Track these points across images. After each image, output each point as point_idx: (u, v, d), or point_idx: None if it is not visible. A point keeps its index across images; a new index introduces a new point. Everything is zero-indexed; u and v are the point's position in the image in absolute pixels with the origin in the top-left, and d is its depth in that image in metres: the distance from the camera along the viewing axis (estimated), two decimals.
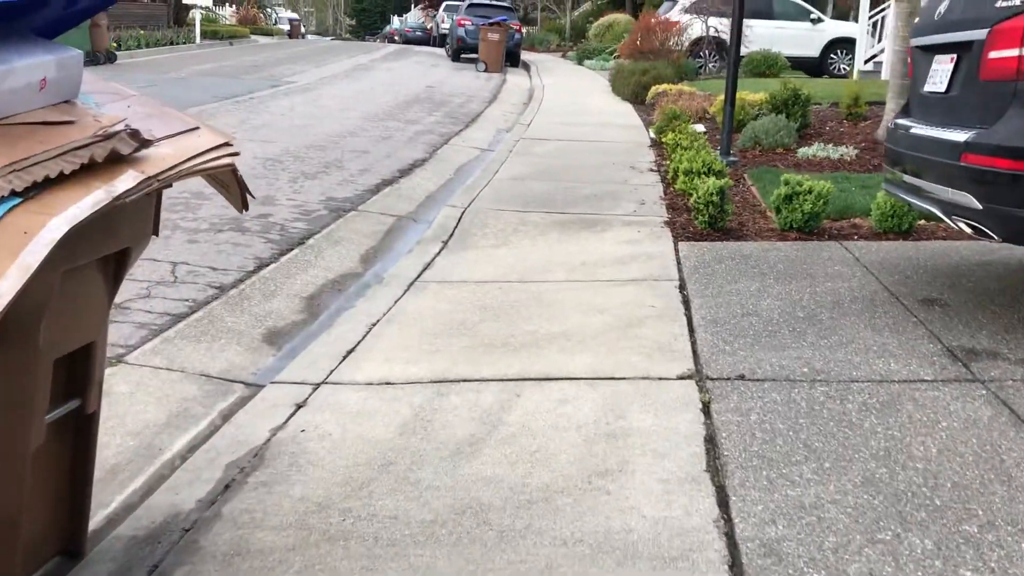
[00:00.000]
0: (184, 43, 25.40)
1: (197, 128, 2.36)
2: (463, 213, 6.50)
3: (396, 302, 4.58)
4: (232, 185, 2.44)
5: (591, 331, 4.02)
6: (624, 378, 3.47)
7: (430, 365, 3.68)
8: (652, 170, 8.27)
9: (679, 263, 5.13)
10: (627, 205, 6.77)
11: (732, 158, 8.16)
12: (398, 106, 13.53)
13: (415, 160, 8.95)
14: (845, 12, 24.98)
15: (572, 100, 15.28)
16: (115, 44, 20.41)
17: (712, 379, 3.43)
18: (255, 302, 4.57)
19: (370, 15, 70.85)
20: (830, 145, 8.65)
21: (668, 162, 8.16)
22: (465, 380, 3.52)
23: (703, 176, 6.53)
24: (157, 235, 2.52)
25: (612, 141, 10.25)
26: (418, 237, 6.01)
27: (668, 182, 7.55)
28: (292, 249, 5.52)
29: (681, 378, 3.45)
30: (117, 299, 4.54)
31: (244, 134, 9.83)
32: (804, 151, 8.51)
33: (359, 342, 3.99)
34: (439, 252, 5.55)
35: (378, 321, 4.26)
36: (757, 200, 6.80)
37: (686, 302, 4.40)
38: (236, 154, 2.37)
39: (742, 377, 3.43)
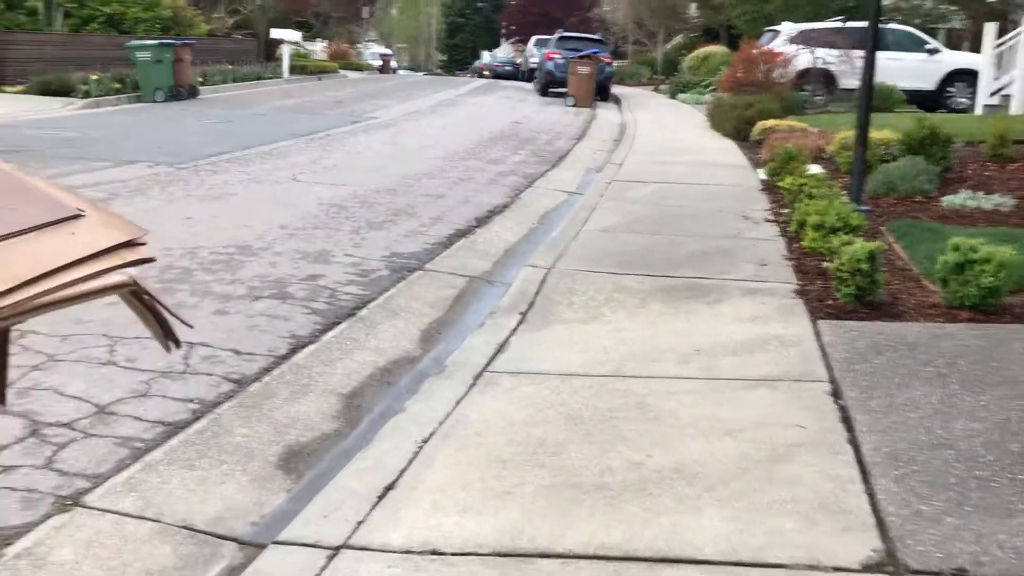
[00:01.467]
0: (271, 78, 25.17)
1: (78, 216, 1.36)
2: (546, 274, 5.45)
3: (457, 404, 3.54)
4: (142, 312, 1.43)
5: (719, 468, 2.90)
6: (780, 566, 2.33)
7: (495, 520, 2.62)
8: (769, 220, 7.08)
9: (824, 353, 3.96)
10: (744, 266, 5.61)
11: (864, 207, 6.93)
12: (481, 144, 12.63)
13: (495, 206, 7.96)
14: (957, 43, 23.29)
15: (668, 136, 14.15)
16: (201, 79, 20.17)
17: (916, 574, 2.27)
18: (278, 403, 3.59)
19: (461, 50, 71.06)
20: (979, 193, 7.33)
21: (789, 211, 6.98)
22: (544, 555, 2.45)
23: (838, 233, 5.35)
24: (3, 403, 1.51)
25: (716, 184, 9.09)
26: (492, 305, 4.97)
27: (792, 237, 6.36)
28: (339, 323, 4.54)
29: (868, 570, 2.29)
30: (101, 401, 3.64)
31: (312, 176, 9.02)
32: (950, 200, 7.21)
33: (403, 470, 2.96)
34: (516, 328, 4.50)
35: (432, 435, 3.23)
36: (905, 263, 5.56)
37: (847, 420, 3.24)
38: (145, 260, 1.37)
39: (963, 573, 2.26)
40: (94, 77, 16.73)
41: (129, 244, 1.38)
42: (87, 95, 16.07)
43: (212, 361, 3.94)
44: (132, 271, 1.42)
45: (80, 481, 2.86)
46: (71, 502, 2.73)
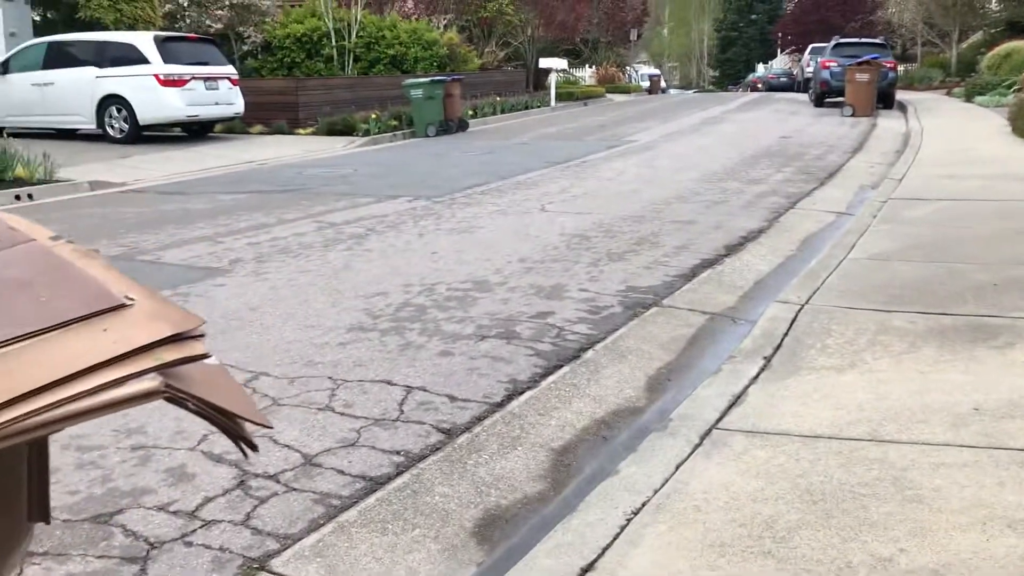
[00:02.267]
0: (538, 107, 25.71)
1: (121, 307, 1.16)
2: (799, 311, 4.87)
3: (678, 468, 3.14)
4: (214, 417, 1.21)
5: (996, 575, 2.29)
6: None
7: None
8: None
9: None
10: None
11: None
12: (743, 162, 11.97)
13: (749, 231, 7.38)
14: None
15: (959, 145, 12.69)
16: (471, 111, 20.95)
17: None
18: (484, 458, 3.36)
19: (733, 65, 69.31)
20: None
21: None
22: None
23: None
24: (48, 521, 1.34)
25: (1017, 200, 7.90)
26: (732, 348, 4.49)
27: None
28: (561, 367, 4.27)
29: None
30: (311, 450, 3.59)
31: (560, 206, 8.89)
32: None
33: (605, 549, 2.62)
34: (756, 376, 4.01)
35: (643, 506, 2.86)
36: None
37: None
38: (193, 358, 1.15)
39: None
40: (373, 116, 17.84)
41: (178, 338, 1.16)
42: (367, 133, 17.16)
43: (426, 408, 3.80)
44: (208, 364, 1.22)
45: (271, 542, 2.77)
46: (258, 566, 2.64)
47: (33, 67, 15.92)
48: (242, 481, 3.17)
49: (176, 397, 1.12)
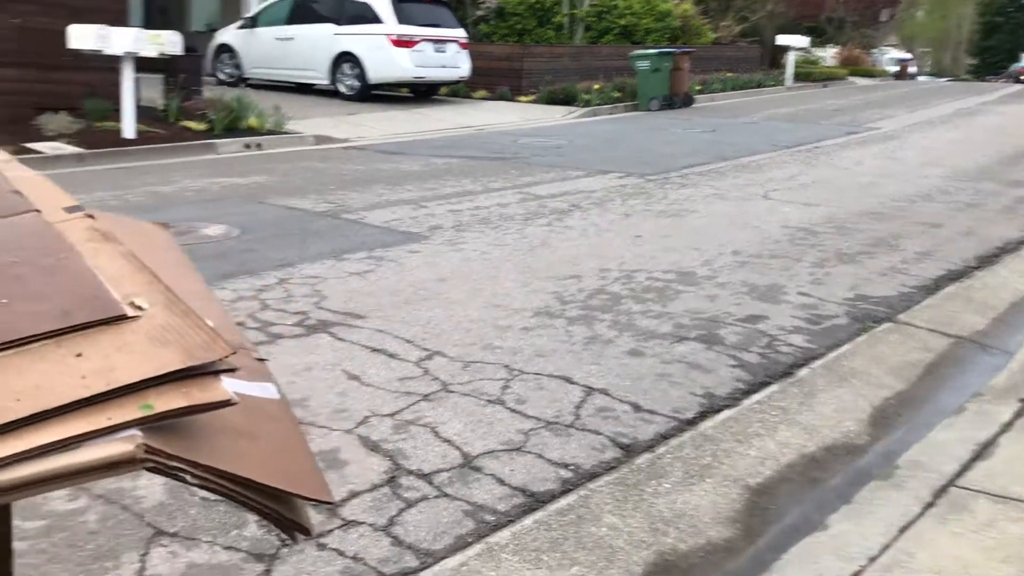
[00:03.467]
0: (772, 85, 24.32)
1: (121, 318, 0.80)
2: None
3: (902, 533, 2.57)
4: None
5: None
6: None
7: None
8: None
9: None
10: None
11: None
12: (1001, 161, 10.59)
13: (1007, 241, 6.38)
14: None
15: None
16: (698, 87, 20.06)
17: None
18: (665, 486, 2.89)
19: (995, 53, 63.15)
20: None
21: None
22: None
23: None
24: None
25: None
26: (981, 383, 3.76)
27: None
28: (769, 384, 3.71)
29: None
30: (472, 450, 3.24)
31: (785, 194, 8.12)
32: None
33: None
34: (1010, 422, 3.30)
35: None
36: None
37: None
38: (208, 406, 0.77)
39: None
40: (596, 87, 17.39)
41: (192, 373, 0.79)
42: (587, 104, 16.74)
43: (605, 416, 3.36)
44: (255, 403, 0.86)
45: (409, 558, 2.45)
46: None
47: (278, 22, 16.64)
48: (393, 477, 2.88)
49: (164, 469, 0.74)
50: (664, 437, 3.22)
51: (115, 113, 10.60)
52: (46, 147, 9.69)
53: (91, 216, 0.99)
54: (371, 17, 15.47)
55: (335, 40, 15.73)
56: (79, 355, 0.77)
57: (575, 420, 3.33)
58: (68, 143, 9.93)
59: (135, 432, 0.73)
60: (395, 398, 3.46)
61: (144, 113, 10.97)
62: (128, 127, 10.38)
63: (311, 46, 15.95)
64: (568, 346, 4.08)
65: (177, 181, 8.33)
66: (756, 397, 3.58)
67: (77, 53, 10.31)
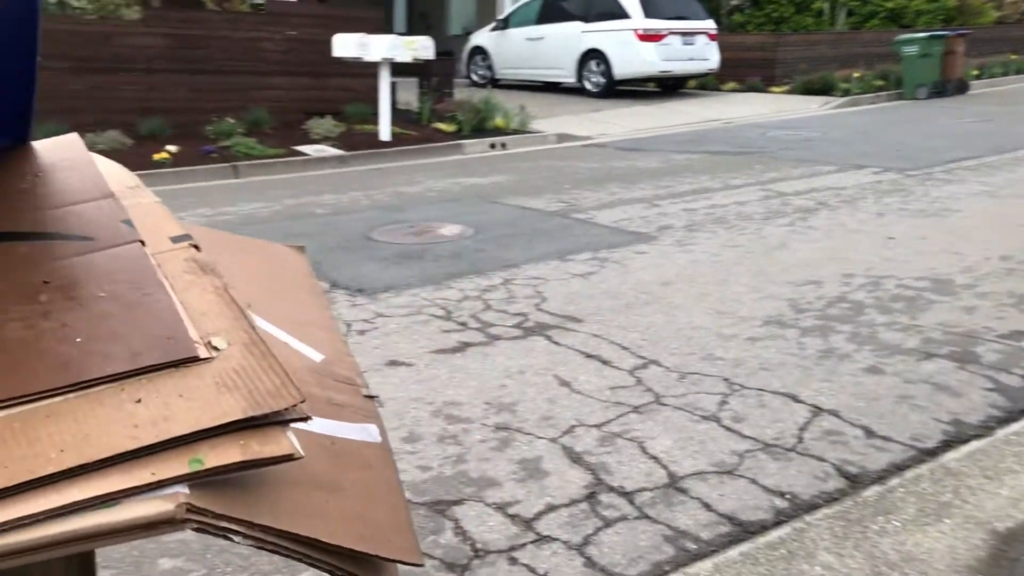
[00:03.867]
0: None
1: (193, 360, 0.76)
2: None
3: None
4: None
5: None
6: None
7: None
8: None
9: None
10: None
11: None
12: None
13: None
14: None
15: None
16: (975, 72, 18.29)
17: None
18: (895, 525, 2.59)
19: None
20: None
21: None
22: None
23: None
24: None
25: None
26: None
27: None
28: None
29: None
30: (679, 469, 3.06)
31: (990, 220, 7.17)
32: None
33: None
34: None
35: None
36: None
37: None
38: (281, 458, 0.72)
39: None
40: (856, 75, 16.32)
41: (256, 423, 0.73)
42: (846, 93, 15.74)
43: (832, 440, 3.08)
44: (353, 447, 0.80)
45: None
46: None
47: (528, 22, 16.99)
48: (593, 493, 2.78)
49: (209, 528, 0.69)
50: (898, 468, 2.89)
51: (373, 116, 11.26)
52: (311, 149, 10.45)
53: (195, 247, 0.97)
54: (618, 13, 15.41)
55: (582, 38, 15.83)
56: (139, 401, 0.74)
57: (797, 443, 3.07)
58: (331, 145, 10.65)
59: (180, 489, 0.68)
60: (604, 408, 3.36)
61: (399, 116, 11.56)
62: (384, 130, 10.98)
63: (559, 45, 16.15)
64: (798, 360, 3.80)
65: (422, 181, 8.68)
66: (1014, 427, 3.14)
67: (340, 60, 11.04)
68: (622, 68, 15.40)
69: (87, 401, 0.73)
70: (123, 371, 0.76)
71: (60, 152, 1.16)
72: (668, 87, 16.85)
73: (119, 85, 10.82)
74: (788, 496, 2.75)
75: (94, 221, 0.97)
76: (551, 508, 2.70)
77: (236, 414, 0.73)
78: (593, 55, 15.73)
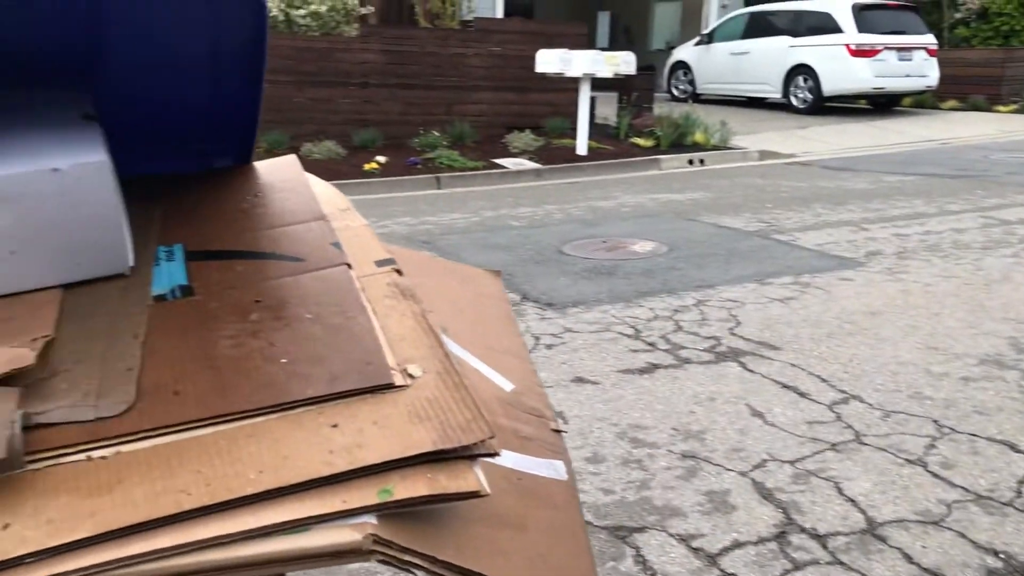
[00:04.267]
0: None
1: (387, 387, 0.77)
2: None
3: None
4: None
5: None
6: None
7: None
8: None
9: None
10: None
11: None
12: None
13: None
14: None
15: None
16: None
17: None
18: None
19: None
20: None
21: None
22: None
23: None
24: None
25: None
26: None
27: None
28: None
29: None
30: (878, 515, 2.85)
31: None
32: None
33: None
34: None
35: None
36: None
37: None
38: (468, 495, 0.72)
39: None
40: None
41: (447, 455, 0.73)
42: None
43: None
44: (533, 484, 0.79)
45: None
46: None
47: (733, 37, 16.63)
48: (783, 532, 2.65)
49: (394, 561, 0.69)
50: None
51: (571, 131, 11.35)
52: (510, 163, 10.66)
53: (398, 271, 0.98)
54: (830, 27, 14.79)
55: (789, 52, 15.31)
56: (335, 426, 0.75)
57: (1015, 498, 2.80)
58: (529, 159, 10.83)
59: (368, 519, 0.69)
60: (799, 443, 3.20)
61: (597, 130, 11.60)
62: (581, 144, 11.04)
63: (764, 59, 15.70)
64: (1019, 405, 3.48)
65: (617, 196, 8.65)
66: None
67: (542, 75, 11.21)
68: (832, 84, 14.77)
69: (287, 423, 0.75)
70: (322, 395, 0.77)
71: (278, 173, 1.22)
72: (880, 104, 16.01)
73: (337, 98, 11.45)
74: (1003, 556, 2.51)
75: (306, 242, 1.01)
76: (737, 545, 2.60)
77: (426, 446, 0.73)
78: (801, 70, 15.18)
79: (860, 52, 14.48)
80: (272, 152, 10.54)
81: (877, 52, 14.50)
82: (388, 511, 0.70)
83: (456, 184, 9.84)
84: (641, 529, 2.69)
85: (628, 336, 4.42)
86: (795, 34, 15.36)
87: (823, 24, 14.93)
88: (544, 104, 12.33)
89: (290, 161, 1.28)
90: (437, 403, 0.77)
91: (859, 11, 14.78)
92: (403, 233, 6.95)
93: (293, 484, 0.69)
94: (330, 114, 11.32)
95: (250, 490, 0.69)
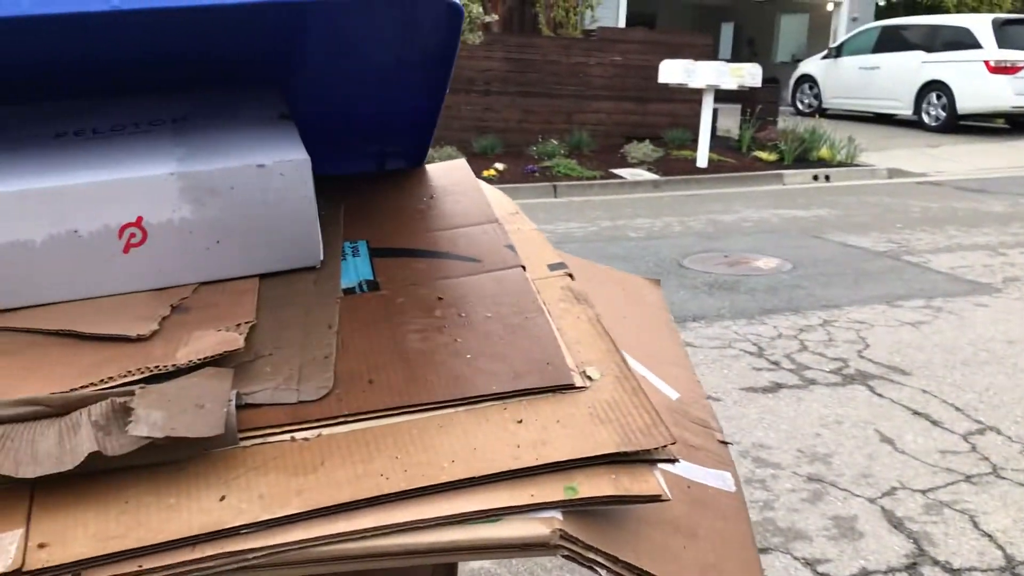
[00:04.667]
0: None
1: (568, 387, 0.79)
2: None
3: None
4: None
5: None
6: None
7: None
8: None
9: None
10: None
11: None
12: None
13: None
14: None
15: None
16: None
17: None
18: None
19: None
20: None
21: None
22: None
23: None
24: None
25: None
26: None
27: None
28: None
29: None
30: (1017, 552, 2.72)
31: None
32: None
33: None
34: None
35: None
36: None
37: None
38: (648, 498, 0.74)
39: None
40: None
41: (627, 458, 0.74)
42: None
43: None
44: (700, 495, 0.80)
45: None
46: None
47: (863, 51, 16.13)
48: (914, 564, 2.56)
49: (578, 558, 0.71)
50: None
51: (692, 143, 11.22)
52: (627, 173, 10.62)
53: (570, 275, 1.00)
54: (968, 43, 14.19)
55: (922, 68, 14.76)
56: (519, 422, 0.77)
57: None
58: (647, 169, 10.76)
59: (555, 514, 0.71)
60: (931, 473, 3.08)
61: (718, 143, 11.44)
62: (701, 156, 10.90)
63: (895, 75, 15.18)
64: None
65: (738, 211, 8.51)
66: None
67: (663, 86, 11.12)
68: (967, 102, 14.16)
69: (474, 416, 0.78)
70: (506, 391, 0.80)
71: (450, 176, 1.26)
72: (1019, 124, 15.26)
73: (459, 104, 11.64)
74: None
75: (481, 244, 1.04)
76: (866, 573, 2.52)
77: (610, 447, 0.74)
78: (934, 86, 14.61)
79: (1000, 69, 13.84)
80: None
81: (1018, 69, 13.84)
82: (573, 508, 0.72)
83: (573, 193, 9.85)
84: (765, 550, 2.64)
85: (751, 353, 4.34)
86: (929, 49, 14.80)
87: (960, 39, 14.34)
88: (664, 115, 12.23)
89: (460, 164, 1.32)
90: (616, 406, 0.79)
91: (1000, 26, 14.14)
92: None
93: (484, 475, 0.72)
94: (451, 120, 11.51)
95: (444, 478, 0.71)
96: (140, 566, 0.65)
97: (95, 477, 0.71)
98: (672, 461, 0.76)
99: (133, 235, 0.93)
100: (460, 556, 0.70)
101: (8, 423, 0.71)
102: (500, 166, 10.35)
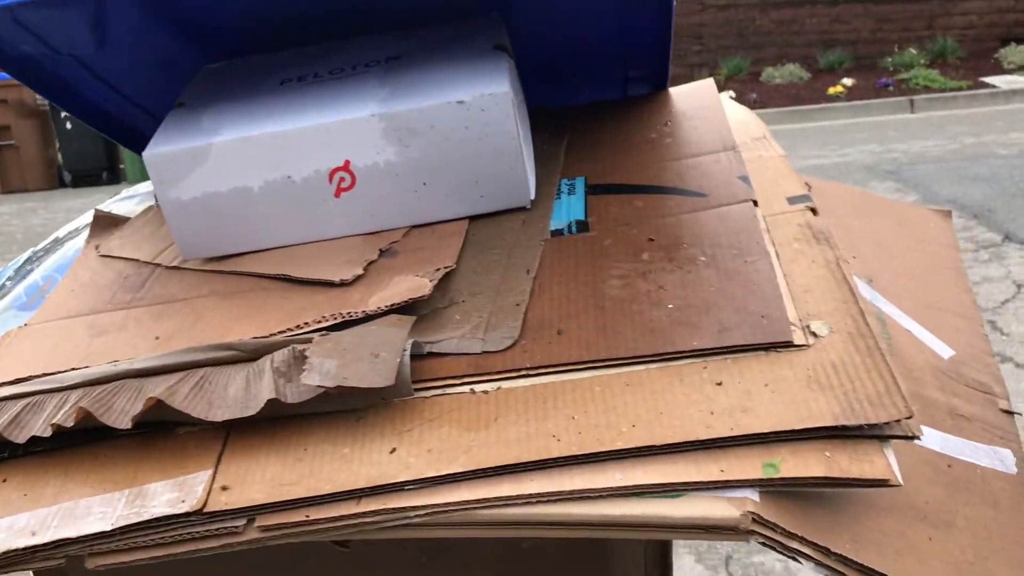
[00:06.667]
0: None
1: (786, 344, 0.67)
2: None
3: None
4: None
5: None
6: None
7: None
8: None
9: None
10: None
11: None
12: None
13: None
14: None
15: None
16: None
17: None
18: None
19: None
20: None
21: None
22: None
23: None
24: None
25: None
26: None
27: None
28: None
29: None
30: None
31: None
32: None
33: None
34: None
35: None
36: None
37: None
38: (876, 481, 0.62)
39: None
40: None
41: (850, 433, 0.62)
42: None
43: None
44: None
45: None
46: None
47: None
48: None
49: (776, 546, 0.60)
50: None
51: None
52: (1001, 81, 9.35)
53: (813, 210, 0.85)
54: None
55: None
56: (719, 384, 0.66)
57: None
58: None
59: (749, 494, 0.60)
60: None
61: None
62: None
63: None
64: None
65: None
66: None
67: None
68: None
69: (667, 375, 0.69)
70: (708, 347, 0.69)
71: (693, 99, 1.14)
72: None
73: (802, 18, 10.88)
74: None
75: (711, 175, 0.93)
76: None
77: (826, 419, 0.61)
78: None
79: None
80: (731, 79, 10.37)
81: None
82: (772, 488, 0.60)
83: (933, 107, 8.88)
84: None
85: None
86: None
87: None
88: None
89: (706, 84, 1.19)
90: (844, 369, 0.65)
91: None
92: (866, 162, 6.44)
93: (667, 444, 0.63)
94: (794, 36, 10.81)
95: (620, 444, 0.64)
96: (307, 515, 0.65)
97: (283, 422, 0.72)
98: (911, 438, 0.62)
99: (343, 179, 0.94)
100: (634, 533, 0.62)
101: (209, 367, 0.75)
102: (848, 82, 9.58)
